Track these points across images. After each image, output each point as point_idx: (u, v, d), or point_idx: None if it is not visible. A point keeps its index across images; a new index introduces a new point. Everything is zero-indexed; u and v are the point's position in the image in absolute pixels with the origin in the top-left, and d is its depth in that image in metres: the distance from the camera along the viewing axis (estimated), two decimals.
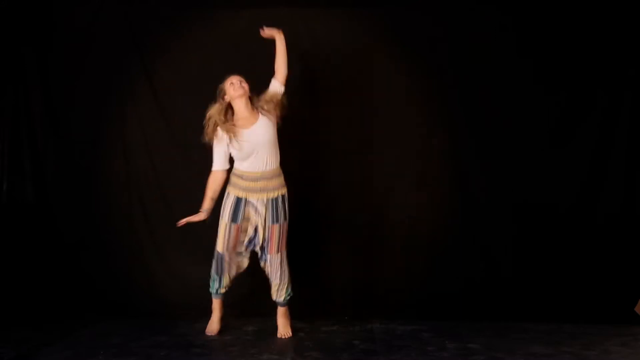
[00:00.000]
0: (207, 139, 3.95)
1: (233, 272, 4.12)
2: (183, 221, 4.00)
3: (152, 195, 4.69)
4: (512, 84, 4.56)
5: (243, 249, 4.07)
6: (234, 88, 3.95)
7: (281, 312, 4.13)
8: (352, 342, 3.90)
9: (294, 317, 4.28)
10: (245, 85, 3.97)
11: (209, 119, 3.93)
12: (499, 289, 4.52)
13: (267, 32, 4.06)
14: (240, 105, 3.97)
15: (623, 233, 4.54)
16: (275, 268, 4.01)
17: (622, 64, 4.52)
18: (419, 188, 4.60)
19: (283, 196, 4.00)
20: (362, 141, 4.62)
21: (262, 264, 4.08)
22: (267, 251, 4.00)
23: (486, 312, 4.42)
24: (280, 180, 4.01)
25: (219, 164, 4.01)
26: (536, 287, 4.52)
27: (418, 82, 4.62)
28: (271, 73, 4.05)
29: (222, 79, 4.00)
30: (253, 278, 4.30)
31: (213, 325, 4.12)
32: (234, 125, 3.93)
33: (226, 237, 3.99)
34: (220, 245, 4.02)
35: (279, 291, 4.06)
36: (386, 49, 4.61)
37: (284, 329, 4.10)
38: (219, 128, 3.92)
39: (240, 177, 3.96)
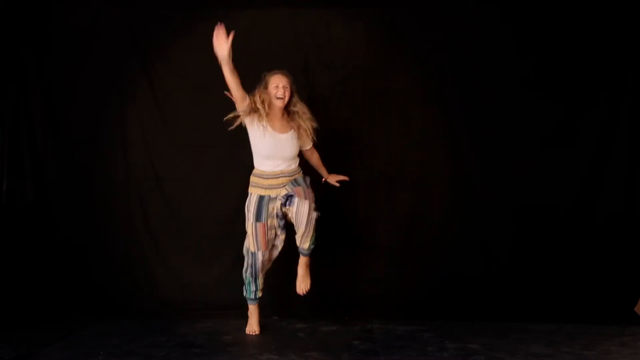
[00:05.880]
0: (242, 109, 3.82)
1: (265, 269, 4.07)
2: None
3: (152, 195, 4.68)
4: (513, 84, 4.56)
5: (276, 243, 4.04)
6: (278, 91, 3.90)
7: (302, 261, 4.02)
8: (352, 342, 3.89)
9: (294, 317, 4.29)
10: (288, 93, 3.93)
11: (255, 96, 3.84)
12: (499, 289, 4.52)
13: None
14: (275, 108, 3.93)
15: (623, 233, 4.55)
16: (301, 213, 3.83)
17: (623, 64, 4.52)
18: (419, 188, 4.61)
19: (303, 177, 4.01)
20: (362, 141, 4.62)
21: (288, 213, 3.93)
22: (295, 196, 3.85)
23: (486, 312, 4.42)
24: (300, 172, 4.04)
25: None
26: (536, 287, 4.52)
27: (418, 82, 4.62)
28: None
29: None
30: None
31: (253, 327, 4.08)
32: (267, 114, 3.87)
33: (254, 236, 3.94)
34: (252, 245, 3.97)
35: (304, 238, 3.90)
36: (386, 50, 4.60)
37: (302, 281, 4.01)
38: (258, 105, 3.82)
39: (261, 176, 3.94)
